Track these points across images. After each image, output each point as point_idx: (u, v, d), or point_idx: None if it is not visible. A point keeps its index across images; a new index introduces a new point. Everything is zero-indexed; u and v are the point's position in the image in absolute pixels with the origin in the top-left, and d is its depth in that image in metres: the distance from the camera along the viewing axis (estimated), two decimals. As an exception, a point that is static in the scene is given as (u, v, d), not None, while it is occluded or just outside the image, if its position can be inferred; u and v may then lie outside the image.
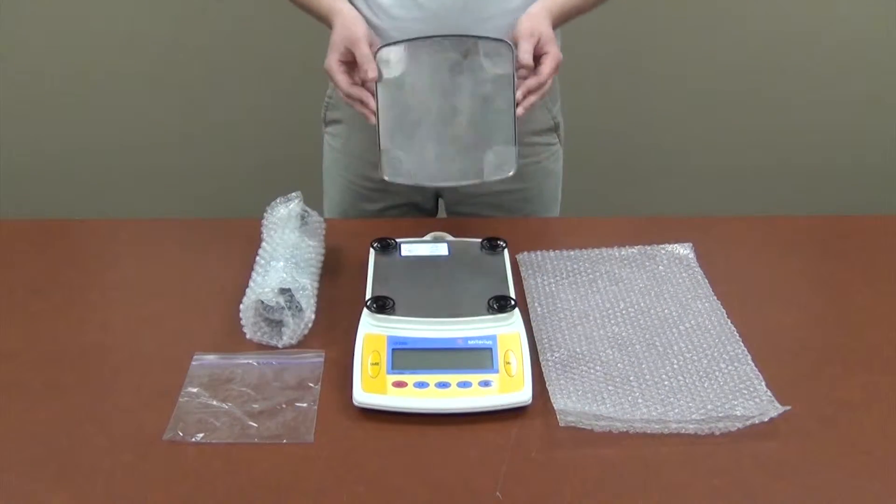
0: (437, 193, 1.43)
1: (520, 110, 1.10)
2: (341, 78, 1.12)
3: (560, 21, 1.19)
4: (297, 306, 0.99)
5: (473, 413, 0.88)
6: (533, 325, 1.02)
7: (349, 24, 1.12)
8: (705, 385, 0.93)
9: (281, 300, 0.98)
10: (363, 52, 1.10)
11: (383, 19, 1.22)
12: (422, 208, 1.41)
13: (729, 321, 1.03)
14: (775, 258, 1.20)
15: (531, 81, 1.10)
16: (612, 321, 1.04)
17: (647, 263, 1.15)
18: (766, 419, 0.87)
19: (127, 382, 0.95)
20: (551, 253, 1.18)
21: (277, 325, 1.01)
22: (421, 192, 1.40)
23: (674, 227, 1.27)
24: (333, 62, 1.13)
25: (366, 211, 1.39)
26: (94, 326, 1.05)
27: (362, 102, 1.12)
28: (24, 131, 2.24)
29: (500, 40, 1.09)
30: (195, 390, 0.92)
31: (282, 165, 2.10)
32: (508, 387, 0.89)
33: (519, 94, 1.09)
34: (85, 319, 1.07)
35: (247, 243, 1.14)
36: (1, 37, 2.10)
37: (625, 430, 0.87)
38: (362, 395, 0.88)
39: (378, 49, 1.11)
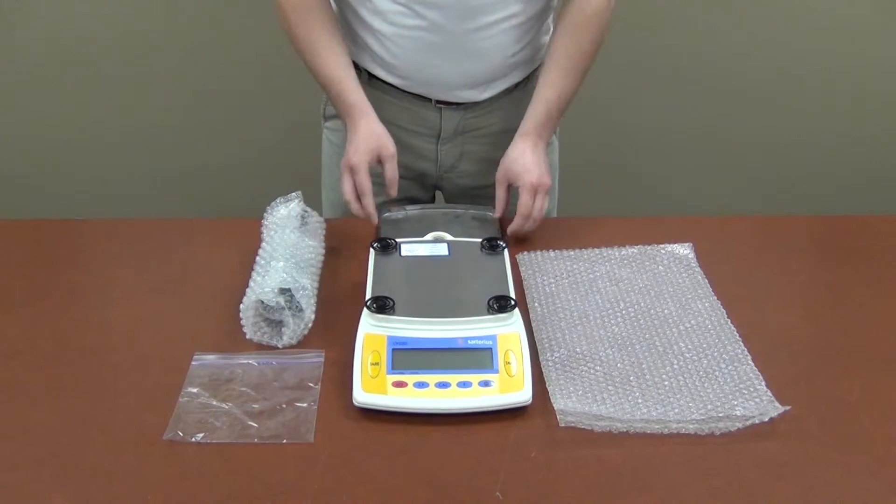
0: (436, 187, 1.44)
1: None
2: (366, 180, 1.19)
3: (552, 123, 1.24)
4: (297, 306, 0.99)
5: (473, 413, 0.88)
6: (533, 325, 1.02)
7: (383, 137, 1.21)
8: (705, 385, 0.93)
9: (281, 300, 0.98)
10: (394, 170, 1.21)
11: (384, 25, 1.22)
12: (420, 202, 1.42)
13: (729, 321, 1.03)
14: (775, 258, 1.20)
15: (515, 223, 1.20)
16: (612, 321, 1.04)
17: (647, 263, 1.15)
18: (766, 419, 0.87)
19: (127, 382, 0.95)
20: (551, 253, 1.18)
21: (277, 325, 1.01)
22: (420, 187, 1.42)
23: (674, 227, 1.27)
24: (364, 163, 1.20)
25: None
26: (94, 326, 1.05)
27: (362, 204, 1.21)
28: (23, 131, 2.24)
29: (483, 212, 1.24)
30: (195, 390, 0.92)
31: (282, 165, 2.10)
32: (508, 387, 0.89)
33: (509, 232, 1.20)
34: (85, 319, 1.07)
35: (247, 243, 1.14)
36: (1, 36, 2.10)
37: (625, 430, 0.87)
38: (362, 395, 0.88)
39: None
